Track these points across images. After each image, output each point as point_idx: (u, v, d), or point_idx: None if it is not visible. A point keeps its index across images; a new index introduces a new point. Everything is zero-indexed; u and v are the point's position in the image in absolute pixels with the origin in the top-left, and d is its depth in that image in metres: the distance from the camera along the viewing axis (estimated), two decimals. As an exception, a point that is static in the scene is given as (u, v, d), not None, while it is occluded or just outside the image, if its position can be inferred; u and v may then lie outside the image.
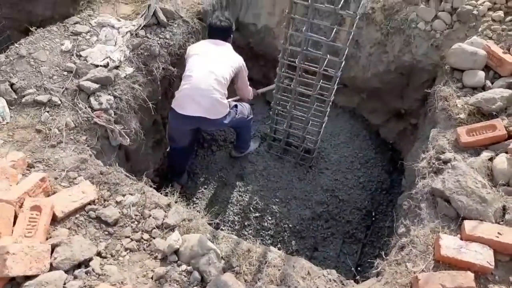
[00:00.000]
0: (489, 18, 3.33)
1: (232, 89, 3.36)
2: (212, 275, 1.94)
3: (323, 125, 3.54)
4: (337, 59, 2.89)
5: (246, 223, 3.46)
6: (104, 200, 2.19)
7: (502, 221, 2.27)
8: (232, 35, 3.39)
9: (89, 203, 2.15)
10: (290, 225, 3.49)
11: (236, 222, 3.47)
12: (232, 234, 3.37)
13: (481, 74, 3.01)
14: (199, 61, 3.08)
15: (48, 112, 2.59)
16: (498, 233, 2.17)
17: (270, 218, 3.50)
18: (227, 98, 3.20)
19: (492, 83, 2.99)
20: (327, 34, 2.85)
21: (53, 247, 1.89)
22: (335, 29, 2.73)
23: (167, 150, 3.63)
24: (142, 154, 3.08)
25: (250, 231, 3.43)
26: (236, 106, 3.32)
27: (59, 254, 1.85)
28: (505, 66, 2.97)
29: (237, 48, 3.72)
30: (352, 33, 2.73)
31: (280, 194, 3.63)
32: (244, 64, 3.31)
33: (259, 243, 2.30)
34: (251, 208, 3.53)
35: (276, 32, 3.91)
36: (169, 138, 3.46)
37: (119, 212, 2.13)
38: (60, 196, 2.14)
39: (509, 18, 3.26)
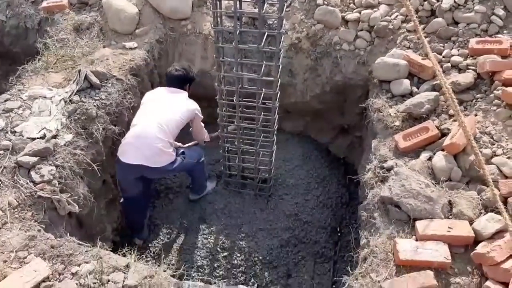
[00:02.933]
0: (404, 30, 3.58)
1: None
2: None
3: (273, 154, 3.62)
4: (272, 91, 3.01)
5: (215, 265, 3.42)
6: (59, 274, 2.12)
7: (451, 215, 2.39)
8: (190, 84, 3.47)
9: (43, 281, 2.07)
10: (260, 257, 3.48)
11: (205, 266, 3.41)
12: (203, 278, 3.34)
13: (406, 82, 3.22)
14: (148, 109, 3.18)
15: (-12, 195, 2.50)
16: (449, 227, 2.29)
17: (239, 254, 3.48)
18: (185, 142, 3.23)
19: (418, 88, 3.20)
20: (258, 70, 2.98)
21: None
22: (263, 65, 2.86)
23: (121, 201, 3.56)
24: (96, 217, 3.01)
25: (220, 272, 3.38)
26: (183, 152, 3.32)
27: None
28: (426, 71, 3.19)
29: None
30: (280, 66, 2.86)
31: (245, 228, 3.63)
32: (199, 111, 3.39)
33: (229, 283, 2.28)
34: (218, 249, 3.49)
35: (213, 74, 4.01)
36: (119, 188, 3.44)
37: (76, 284, 2.06)
38: (11, 279, 2.05)
39: (421, 26, 3.52)
